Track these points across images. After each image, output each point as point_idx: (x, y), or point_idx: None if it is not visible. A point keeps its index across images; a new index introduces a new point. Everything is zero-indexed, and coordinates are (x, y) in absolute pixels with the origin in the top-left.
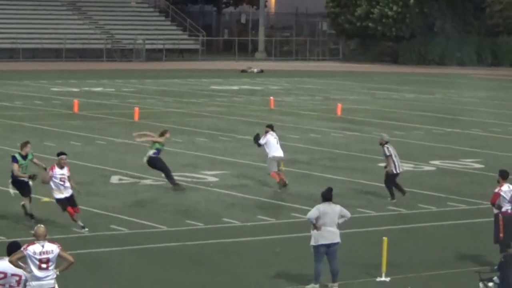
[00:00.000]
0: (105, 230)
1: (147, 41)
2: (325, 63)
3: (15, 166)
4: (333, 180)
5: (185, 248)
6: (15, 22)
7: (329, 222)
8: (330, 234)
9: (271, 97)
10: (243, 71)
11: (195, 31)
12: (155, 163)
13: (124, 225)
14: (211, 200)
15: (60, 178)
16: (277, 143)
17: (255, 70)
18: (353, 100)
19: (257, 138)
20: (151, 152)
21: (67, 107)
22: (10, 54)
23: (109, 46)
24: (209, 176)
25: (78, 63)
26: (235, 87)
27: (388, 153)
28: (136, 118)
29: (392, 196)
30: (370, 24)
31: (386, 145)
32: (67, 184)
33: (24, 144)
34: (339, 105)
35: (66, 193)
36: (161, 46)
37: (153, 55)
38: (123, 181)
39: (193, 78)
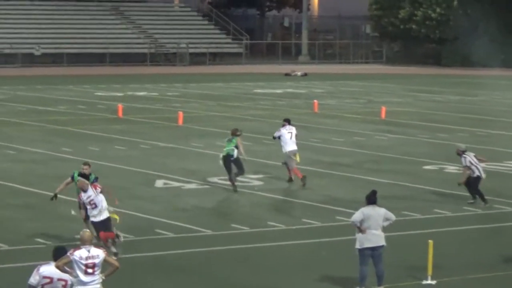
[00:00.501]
0: (150, 234)
1: (190, 45)
2: (368, 66)
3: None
4: (377, 183)
5: (230, 251)
6: (59, 27)
7: (373, 225)
8: (375, 237)
9: (315, 100)
10: (286, 74)
11: (239, 35)
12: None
13: (169, 229)
14: (255, 204)
15: (89, 201)
16: (291, 137)
17: (299, 73)
18: (397, 102)
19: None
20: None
21: (111, 111)
22: (54, 59)
23: (152, 50)
24: (254, 180)
25: (121, 67)
26: (279, 91)
27: (464, 164)
28: (180, 122)
29: (481, 199)
30: (413, 26)
31: (463, 155)
32: (100, 205)
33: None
34: (383, 108)
35: (100, 217)
36: (204, 50)
37: (197, 59)
38: (168, 185)
39: (236, 81)
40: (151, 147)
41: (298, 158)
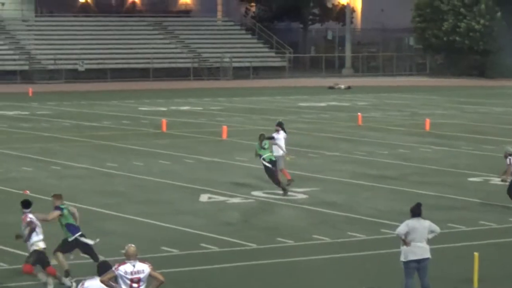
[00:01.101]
0: (195, 248)
1: (234, 59)
2: (412, 78)
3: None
4: (422, 195)
5: (275, 265)
6: (103, 43)
7: (418, 237)
8: (420, 250)
9: (359, 113)
10: (330, 87)
11: (282, 48)
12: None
13: (214, 243)
14: (300, 217)
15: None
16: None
17: (342, 86)
18: (441, 114)
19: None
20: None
21: (155, 126)
22: (98, 74)
23: (196, 65)
24: (298, 193)
25: (165, 82)
26: (323, 104)
27: (508, 162)
28: (224, 136)
29: None
30: (457, 38)
31: (510, 157)
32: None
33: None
34: (427, 120)
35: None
36: (248, 64)
37: (240, 73)
38: (212, 200)
39: (280, 95)
40: (195, 161)
41: (288, 158)
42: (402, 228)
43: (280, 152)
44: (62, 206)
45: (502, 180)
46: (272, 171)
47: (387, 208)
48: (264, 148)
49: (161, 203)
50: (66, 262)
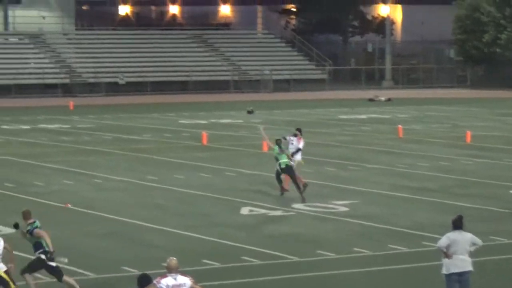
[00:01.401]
0: (236, 261)
1: (274, 72)
2: (453, 90)
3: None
4: (464, 207)
5: (316, 278)
6: (143, 55)
7: (460, 250)
8: (461, 262)
9: (399, 125)
10: (370, 99)
11: (322, 61)
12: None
13: (255, 256)
14: (341, 230)
15: None
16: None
17: (383, 98)
18: (482, 126)
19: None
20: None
21: (196, 139)
22: (138, 87)
23: (236, 77)
24: (339, 206)
25: (205, 95)
26: (363, 116)
27: None
28: (265, 149)
29: None
30: (497, 50)
31: None
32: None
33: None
34: (468, 132)
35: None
36: (288, 77)
37: (280, 85)
38: (253, 212)
39: (320, 107)
40: (236, 174)
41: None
42: (443, 241)
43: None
44: (29, 228)
45: None
46: (286, 175)
47: (428, 221)
48: (282, 153)
49: (201, 216)
50: (33, 282)
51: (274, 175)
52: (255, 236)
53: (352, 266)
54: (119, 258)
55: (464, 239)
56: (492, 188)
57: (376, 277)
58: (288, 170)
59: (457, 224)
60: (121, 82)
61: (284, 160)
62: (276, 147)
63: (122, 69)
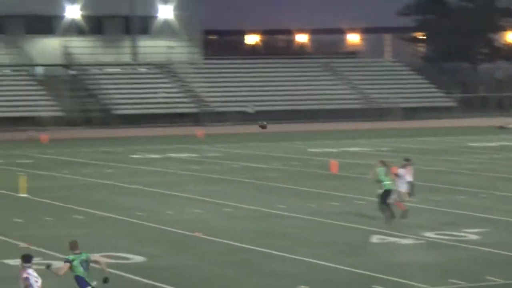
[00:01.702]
0: None
1: (402, 100)
2: None
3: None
4: None
5: None
6: (271, 84)
7: None
8: None
9: None
10: (500, 127)
11: (450, 88)
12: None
13: (386, 285)
14: (473, 258)
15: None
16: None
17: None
18: None
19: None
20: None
21: (324, 167)
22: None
23: (365, 106)
24: (470, 234)
25: (334, 123)
26: (493, 144)
27: None
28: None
29: None
30: None
31: None
32: None
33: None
34: None
35: None
36: (416, 105)
37: (409, 113)
38: (384, 241)
39: (450, 135)
40: (366, 202)
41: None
42: None
43: (402, 187)
44: (71, 257)
45: None
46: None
47: None
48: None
49: (331, 244)
50: None
51: (407, 204)
52: (385, 264)
53: None
54: (247, 287)
55: None
56: None
57: None
58: (388, 192)
59: None
60: (250, 111)
61: (387, 182)
62: (382, 169)
63: (249, 98)
